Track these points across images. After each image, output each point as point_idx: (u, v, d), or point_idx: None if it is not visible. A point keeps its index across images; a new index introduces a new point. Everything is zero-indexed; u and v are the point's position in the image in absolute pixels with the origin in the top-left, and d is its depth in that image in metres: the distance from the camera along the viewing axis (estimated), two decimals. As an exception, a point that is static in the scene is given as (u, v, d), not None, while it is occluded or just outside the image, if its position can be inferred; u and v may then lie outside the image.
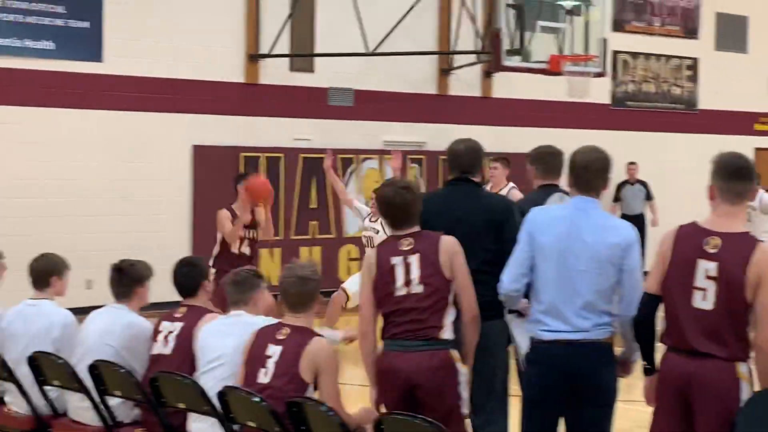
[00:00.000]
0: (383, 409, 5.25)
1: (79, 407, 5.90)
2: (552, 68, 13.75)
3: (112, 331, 5.87)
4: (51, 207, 12.96)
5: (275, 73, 14.68)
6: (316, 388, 5.09)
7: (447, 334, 5.21)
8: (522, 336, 5.78)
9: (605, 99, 18.28)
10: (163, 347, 5.74)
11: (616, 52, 17.95)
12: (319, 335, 5.19)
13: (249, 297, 5.54)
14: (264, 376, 5.06)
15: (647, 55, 18.91)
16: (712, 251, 4.70)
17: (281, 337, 5.11)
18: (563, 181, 6.04)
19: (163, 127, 13.81)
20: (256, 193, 9.85)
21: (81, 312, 6.33)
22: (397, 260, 5.23)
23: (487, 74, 16.63)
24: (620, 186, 17.29)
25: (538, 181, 6.38)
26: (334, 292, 11.00)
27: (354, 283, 10.40)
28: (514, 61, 13.85)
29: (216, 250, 10.09)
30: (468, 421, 5.42)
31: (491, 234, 5.77)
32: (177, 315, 5.84)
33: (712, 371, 4.66)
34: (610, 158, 5.27)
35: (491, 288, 5.40)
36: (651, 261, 5.00)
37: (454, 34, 16.06)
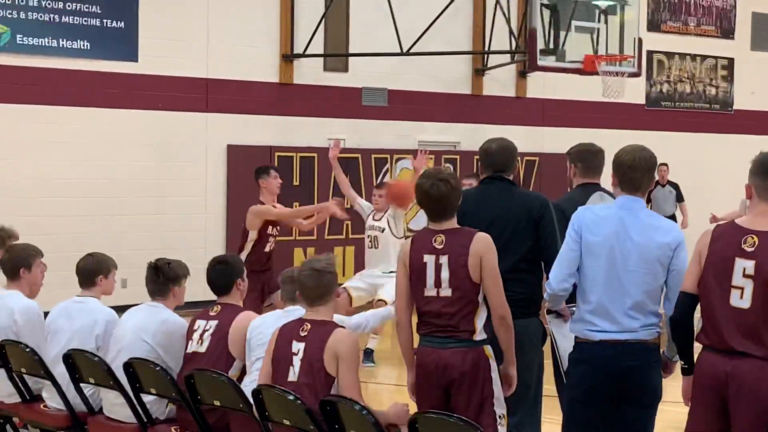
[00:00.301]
0: (414, 398, 5.29)
1: (114, 404, 5.95)
2: (586, 68, 13.72)
3: (147, 329, 5.92)
4: (86, 206, 13.05)
5: (309, 72, 14.72)
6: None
7: (479, 336, 5.19)
8: (562, 336, 5.77)
9: (640, 99, 18.20)
10: (198, 345, 5.77)
11: (651, 52, 17.87)
12: (341, 326, 5.22)
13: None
14: (293, 375, 5.09)
15: (682, 55, 18.82)
16: (749, 249, 4.66)
17: (304, 334, 5.14)
18: (604, 181, 6.03)
19: (198, 127, 13.88)
20: (401, 197, 9.79)
21: (116, 310, 6.39)
22: (429, 259, 5.21)
23: (522, 74, 16.61)
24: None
25: (578, 179, 6.29)
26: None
27: (355, 282, 10.29)
28: (549, 61, 13.83)
29: (248, 248, 9.93)
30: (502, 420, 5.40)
31: (527, 231, 5.77)
32: (212, 313, 5.87)
33: (749, 370, 4.63)
34: (655, 158, 5.27)
35: (528, 285, 5.37)
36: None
37: (488, 34, 16.03)
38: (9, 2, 12.48)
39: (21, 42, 12.61)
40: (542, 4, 13.64)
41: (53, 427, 6.29)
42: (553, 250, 5.58)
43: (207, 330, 5.78)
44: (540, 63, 13.80)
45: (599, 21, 14.07)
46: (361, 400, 4.97)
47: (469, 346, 5.16)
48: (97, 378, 5.94)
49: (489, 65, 16.27)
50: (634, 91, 17.03)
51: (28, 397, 6.47)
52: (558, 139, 15.96)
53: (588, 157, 6.26)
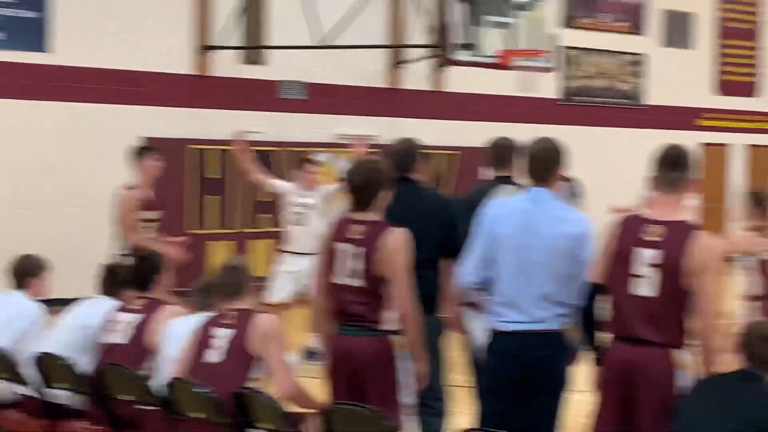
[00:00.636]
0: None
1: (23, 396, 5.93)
2: (502, 63, 13.85)
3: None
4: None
5: (226, 65, 14.66)
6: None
7: (388, 326, 5.25)
8: (478, 328, 5.86)
9: (555, 94, 18.45)
10: (118, 337, 5.78)
11: (565, 48, 18.12)
12: (265, 312, 5.32)
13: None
14: (215, 356, 5.15)
15: (596, 51, 19.11)
16: (653, 239, 4.78)
17: (228, 321, 5.22)
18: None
19: (113, 119, 13.73)
20: None
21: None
22: (343, 247, 5.25)
23: (440, 68, 16.70)
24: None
25: (490, 172, 6.37)
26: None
27: (279, 288, 10.07)
28: (465, 56, 13.94)
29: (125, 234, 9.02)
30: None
31: (430, 231, 5.85)
32: (135, 306, 5.90)
33: (652, 358, 4.75)
34: (562, 149, 5.32)
35: (426, 284, 5.47)
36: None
37: (405, 27, 16.12)
38: None
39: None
40: (458, -1, 13.75)
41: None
42: (456, 246, 5.68)
43: (130, 323, 5.80)
44: (456, 57, 13.91)
45: (515, 16, 14.23)
46: (289, 380, 5.08)
47: (377, 335, 5.22)
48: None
49: (407, 59, 16.36)
50: (548, 86, 17.29)
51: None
52: (475, 133, 16.10)
53: (497, 150, 6.32)
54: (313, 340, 10.06)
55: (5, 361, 5.89)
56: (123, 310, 5.90)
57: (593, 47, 19.03)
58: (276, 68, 15.11)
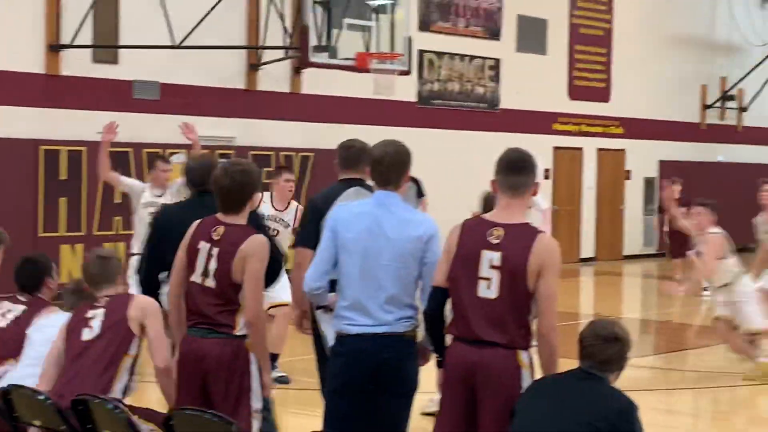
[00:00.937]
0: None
1: None
2: (359, 65, 13.93)
3: None
4: None
5: (77, 64, 14.32)
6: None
7: (240, 331, 5.21)
8: (330, 330, 5.84)
9: (411, 97, 18.60)
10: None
11: (421, 51, 18.29)
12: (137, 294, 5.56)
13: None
14: (88, 334, 5.33)
15: (452, 55, 19.33)
16: (495, 242, 4.83)
17: (101, 304, 5.42)
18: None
19: (-42, 119, 13.29)
20: None
21: None
22: (203, 246, 5.21)
23: (296, 70, 16.68)
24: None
25: (339, 174, 6.27)
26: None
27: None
28: (322, 58, 13.97)
29: None
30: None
31: None
32: (20, 298, 6.04)
33: (494, 359, 4.79)
34: (407, 152, 5.32)
35: None
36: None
37: (262, 29, 16.03)
38: None
39: None
40: (315, 1, 13.76)
41: None
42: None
43: (15, 314, 5.93)
44: (313, 59, 13.93)
45: (371, 19, 14.32)
46: (165, 355, 5.27)
47: (228, 338, 5.18)
48: None
49: (263, 60, 16.27)
50: (405, 90, 17.42)
51: None
52: (333, 135, 16.07)
53: (344, 152, 6.21)
54: None
55: None
56: (10, 299, 6.04)
57: (450, 51, 19.27)
58: (130, 68, 14.84)
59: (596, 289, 19.42)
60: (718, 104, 24.79)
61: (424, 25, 18.64)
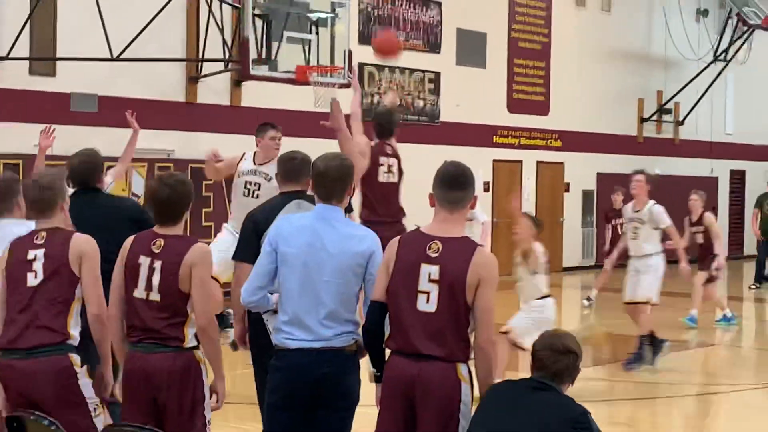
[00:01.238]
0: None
1: None
2: (299, 78, 13.91)
3: None
4: None
5: (13, 76, 14.14)
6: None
7: (190, 343, 5.19)
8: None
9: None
10: None
11: (362, 64, 18.32)
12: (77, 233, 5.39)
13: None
14: (33, 280, 5.20)
15: (392, 68, 19.39)
16: (433, 255, 4.86)
17: (40, 241, 5.28)
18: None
19: None
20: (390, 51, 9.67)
21: None
22: (144, 261, 5.17)
23: (237, 83, 16.63)
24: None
25: (281, 187, 6.23)
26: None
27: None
28: (262, 71, 13.95)
29: None
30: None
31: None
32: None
33: (434, 372, 4.82)
34: (351, 165, 5.33)
35: None
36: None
37: (202, 41, 15.95)
38: None
39: None
40: (255, 14, 13.73)
41: None
42: None
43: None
44: (253, 72, 13.89)
45: (311, 32, 14.31)
46: (100, 300, 5.20)
47: (179, 351, 5.14)
48: None
49: (203, 73, 16.19)
50: (345, 102, 17.38)
51: None
52: (273, 148, 16.08)
53: (284, 164, 6.18)
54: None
55: None
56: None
57: (389, 64, 19.32)
58: (68, 80, 14.69)
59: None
60: (654, 118, 25.14)
61: (364, 38, 18.67)
